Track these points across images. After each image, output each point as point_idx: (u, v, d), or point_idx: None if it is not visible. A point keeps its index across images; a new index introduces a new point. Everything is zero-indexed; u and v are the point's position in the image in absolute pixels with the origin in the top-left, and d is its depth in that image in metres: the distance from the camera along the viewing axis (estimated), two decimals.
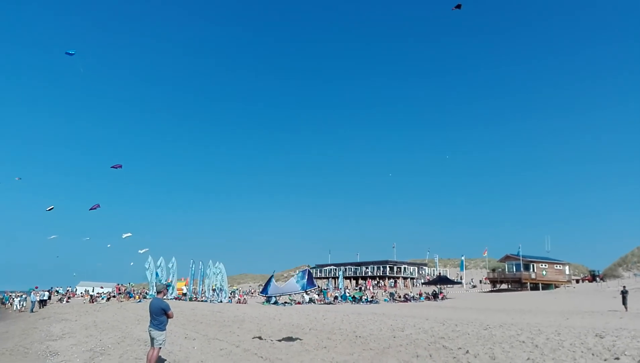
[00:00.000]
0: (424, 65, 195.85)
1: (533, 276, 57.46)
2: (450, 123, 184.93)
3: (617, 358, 9.96)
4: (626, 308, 28.21)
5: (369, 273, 75.40)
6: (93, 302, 48.44)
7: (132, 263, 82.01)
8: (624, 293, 29.39)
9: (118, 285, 69.92)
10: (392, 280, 71.96)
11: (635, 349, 10.99)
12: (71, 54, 25.93)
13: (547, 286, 56.77)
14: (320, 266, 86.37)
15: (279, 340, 14.62)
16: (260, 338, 15.20)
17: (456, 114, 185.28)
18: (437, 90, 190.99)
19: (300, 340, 14.66)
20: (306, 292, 15.23)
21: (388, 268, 73.91)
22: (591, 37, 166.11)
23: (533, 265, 57.82)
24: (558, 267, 59.72)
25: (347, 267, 78.71)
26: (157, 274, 48.90)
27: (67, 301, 50.68)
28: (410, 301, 47.15)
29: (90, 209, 34.51)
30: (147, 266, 50.72)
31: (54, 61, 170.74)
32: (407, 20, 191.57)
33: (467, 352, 11.66)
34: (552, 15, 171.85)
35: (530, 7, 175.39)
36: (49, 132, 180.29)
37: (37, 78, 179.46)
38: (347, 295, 50.73)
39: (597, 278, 61.04)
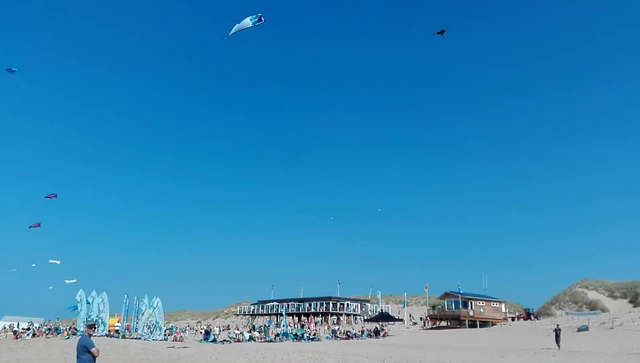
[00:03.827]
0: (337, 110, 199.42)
1: (471, 313, 58.61)
2: (390, 166, 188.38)
3: None
4: (559, 346, 29.21)
5: (312, 310, 74.57)
6: (17, 338, 45.13)
7: (50, 287, 76.49)
8: (557, 331, 30.45)
9: (29, 324, 63.05)
10: (335, 317, 71.47)
11: None
12: (13, 71, 24.97)
13: (484, 323, 57.98)
14: (262, 302, 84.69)
15: None
16: None
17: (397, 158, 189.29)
18: (378, 134, 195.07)
19: None
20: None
21: (331, 305, 73.36)
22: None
23: (471, 303, 59.06)
24: (495, 305, 61.27)
25: (290, 303, 77.51)
26: (88, 301, 46.50)
27: None
28: (352, 338, 46.81)
29: (46, 197, 33.27)
30: (78, 300, 47.99)
31: None
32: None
33: None
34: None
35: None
36: None
37: None
38: (289, 332, 49.81)
39: (532, 316, 63.08)
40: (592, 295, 64.99)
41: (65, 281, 45.97)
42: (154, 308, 46.51)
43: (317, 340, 44.35)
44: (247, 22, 18.21)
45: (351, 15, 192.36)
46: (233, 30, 18.85)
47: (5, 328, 64.03)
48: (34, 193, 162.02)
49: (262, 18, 17.87)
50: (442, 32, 25.08)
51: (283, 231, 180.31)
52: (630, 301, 63.22)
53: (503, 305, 62.69)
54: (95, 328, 10.12)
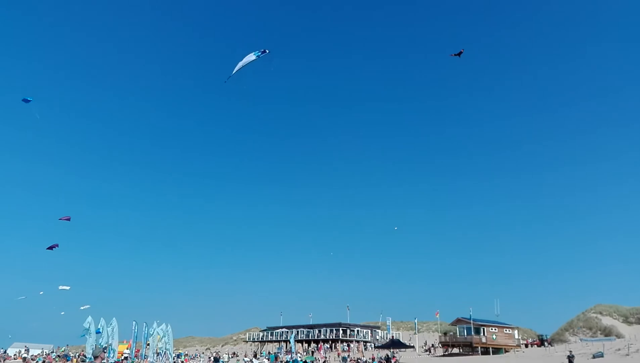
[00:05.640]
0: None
1: (484, 340, 57.59)
2: (403, 181, 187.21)
3: None
4: None
5: (322, 336, 73.73)
6: None
7: (62, 313, 76.89)
8: (570, 358, 29.95)
9: (25, 350, 62.89)
10: (345, 344, 70.59)
11: None
12: (28, 101, 25.61)
13: (497, 350, 56.93)
14: (271, 329, 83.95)
15: None
16: None
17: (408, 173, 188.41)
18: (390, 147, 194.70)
19: None
20: None
21: (341, 331, 72.55)
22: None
23: (483, 329, 58.09)
24: (507, 331, 60.27)
25: (299, 330, 76.74)
26: (98, 330, 46.20)
27: None
28: None
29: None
30: (86, 327, 47.78)
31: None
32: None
33: None
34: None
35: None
36: None
37: None
38: (298, 359, 49.28)
39: (546, 343, 62.03)
40: (607, 321, 63.76)
41: (81, 307, 45.99)
42: (164, 334, 46.36)
43: None
44: (251, 56, 17.82)
45: (371, 31, 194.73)
46: (236, 68, 18.15)
47: (15, 355, 63.90)
48: (48, 215, 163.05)
49: (267, 50, 17.51)
50: (459, 54, 25.19)
51: (291, 252, 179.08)
52: None
53: (516, 331, 61.68)
54: (104, 356, 10.10)
